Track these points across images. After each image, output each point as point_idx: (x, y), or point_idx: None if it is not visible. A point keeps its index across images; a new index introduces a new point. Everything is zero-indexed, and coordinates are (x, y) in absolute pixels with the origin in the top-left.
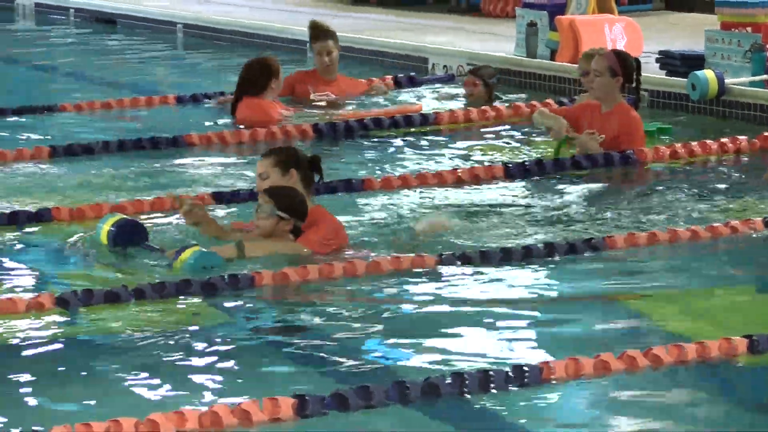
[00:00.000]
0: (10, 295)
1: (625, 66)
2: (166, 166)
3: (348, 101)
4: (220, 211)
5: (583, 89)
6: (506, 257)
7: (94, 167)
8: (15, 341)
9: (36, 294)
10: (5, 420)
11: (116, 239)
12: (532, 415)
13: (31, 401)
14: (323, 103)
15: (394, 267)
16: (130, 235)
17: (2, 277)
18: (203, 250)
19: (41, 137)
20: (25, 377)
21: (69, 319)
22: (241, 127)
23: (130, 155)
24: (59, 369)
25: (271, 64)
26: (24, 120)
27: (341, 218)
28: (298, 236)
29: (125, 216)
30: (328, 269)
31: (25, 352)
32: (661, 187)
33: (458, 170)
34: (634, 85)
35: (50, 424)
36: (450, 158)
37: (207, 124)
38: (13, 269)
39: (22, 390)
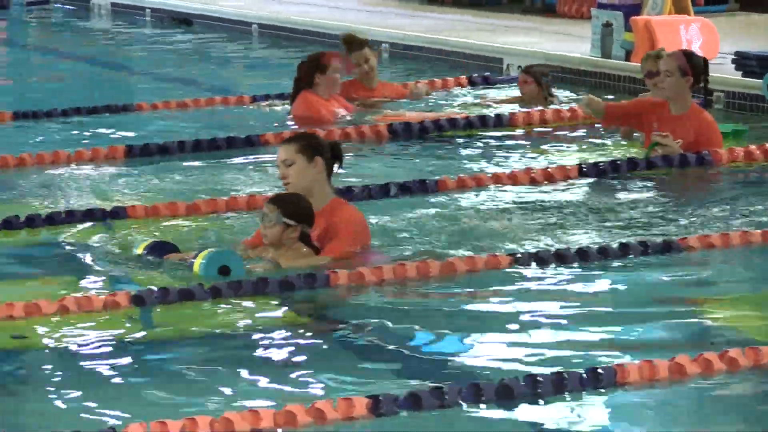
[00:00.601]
0: (86, 293)
1: (693, 66)
2: (241, 165)
3: (392, 106)
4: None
5: (645, 89)
6: (581, 258)
7: (169, 167)
8: (90, 339)
9: (112, 292)
10: (81, 418)
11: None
12: (606, 418)
13: (107, 399)
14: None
15: (469, 267)
16: (161, 256)
17: (78, 274)
18: (214, 250)
19: (117, 136)
20: (101, 375)
21: (144, 317)
22: (294, 125)
23: (206, 155)
24: (134, 367)
25: (318, 58)
26: (100, 119)
27: (413, 219)
28: (306, 241)
29: (155, 239)
30: (401, 269)
31: (100, 350)
32: (735, 189)
33: (532, 170)
34: (702, 85)
35: (126, 422)
36: (524, 159)
37: (281, 123)
38: (89, 267)
39: (97, 388)
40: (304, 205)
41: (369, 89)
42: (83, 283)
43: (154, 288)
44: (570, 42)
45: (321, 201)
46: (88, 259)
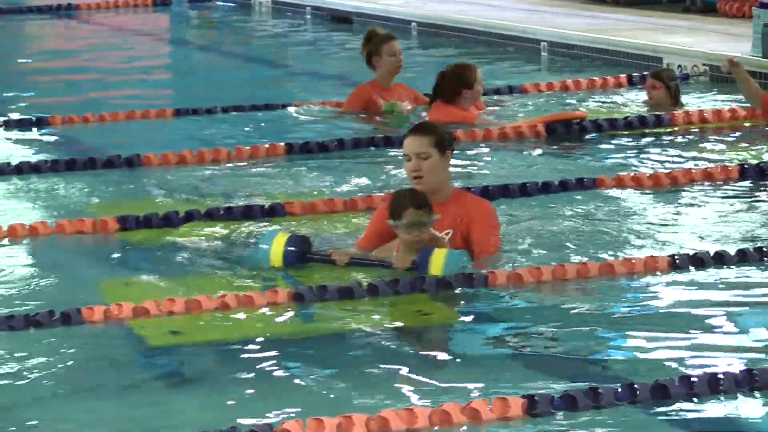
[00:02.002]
0: (246, 290)
1: None
2: (399, 163)
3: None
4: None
5: None
6: (740, 259)
7: (328, 165)
8: (251, 336)
9: (272, 289)
10: (237, 414)
11: (288, 258)
12: (762, 420)
13: (264, 396)
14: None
15: (627, 269)
16: (302, 251)
17: (238, 271)
18: (449, 250)
19: (277, 135)
20: (258, 372)
21: (303, 314)
22: None
23: (364, 153)
24: (291, 364)
25: (464, 73)
26: (260, 117)
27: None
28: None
29: (290, 232)
30: (560, 270)
31: (259, 347)
32: None
33: (692, 170)
34: None
35: (282, 418)
36: (683, 159)
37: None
38: (248, 264)
39: (254, 385)
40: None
41: (386, 88)
42: (243, 280)
43: (313, 286)
44: (730, 41)
45: (446, 192)
46: (247, 256)
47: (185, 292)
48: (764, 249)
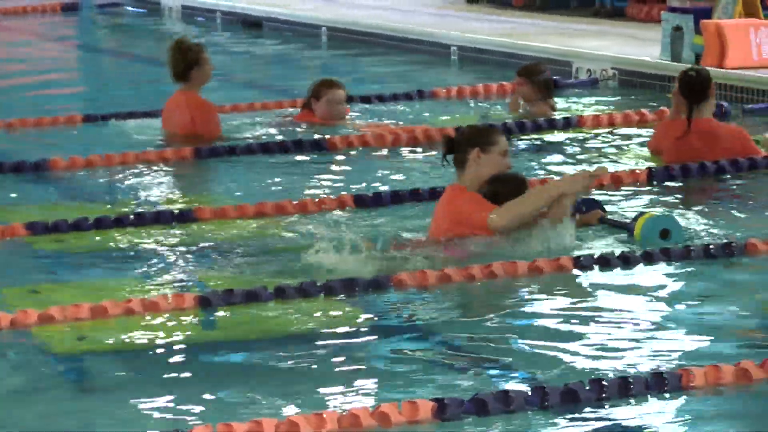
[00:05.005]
0: (152, 295)
1: None
2: (309, 168)
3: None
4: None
5: None
6: (646, 260)
7: (237, 169)
8: (157, 341)
9: (178, 293)
10: (146, 420)
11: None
12: (672, 423)
13: (172, 401)
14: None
15: (531, 268)
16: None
17: (145, 277)
18: (657, 215)
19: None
20: (166, 377)
21: (210, 318)
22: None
23: (275, 157)
24: (199, 369)
25: (315, 86)
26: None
27: None
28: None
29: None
30: (466, 272)
31: (165, 352)
32: None
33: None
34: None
35: (191, 424)
36: (592, 162)
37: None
38: (155, 269)
39: (163, 390)
40: None
41: None
42: (149, 285)
43: (219, 290)
44: (639, 45)
45: None
46: (154, 261)
47: (93, 298)
48: (669, 250)
